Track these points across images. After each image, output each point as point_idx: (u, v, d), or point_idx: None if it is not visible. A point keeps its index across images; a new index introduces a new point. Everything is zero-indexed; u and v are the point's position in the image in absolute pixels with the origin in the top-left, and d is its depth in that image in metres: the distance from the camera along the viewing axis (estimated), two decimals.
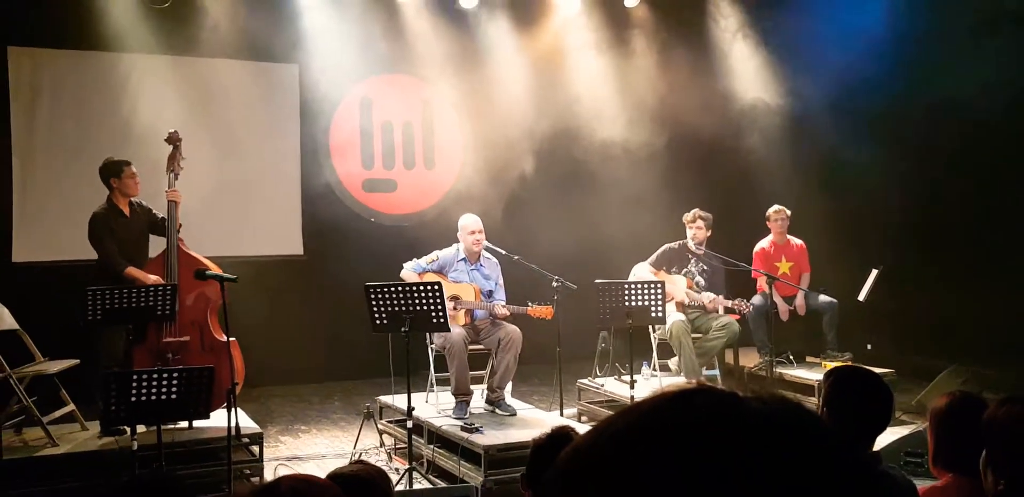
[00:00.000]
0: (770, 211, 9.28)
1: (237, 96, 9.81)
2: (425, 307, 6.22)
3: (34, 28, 9.00)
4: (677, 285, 8.01)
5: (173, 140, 7.21)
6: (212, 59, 9.66)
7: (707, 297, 8.07)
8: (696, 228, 8.24)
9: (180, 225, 7.12)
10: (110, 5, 8.99)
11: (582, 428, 6.84)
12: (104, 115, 9.32)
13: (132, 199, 7.16)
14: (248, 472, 6.64)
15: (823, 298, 9.08)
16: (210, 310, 6.98)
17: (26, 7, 8.85)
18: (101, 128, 9.28)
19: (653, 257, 8.30)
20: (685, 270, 8.21)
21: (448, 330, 6.57)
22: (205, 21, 9.37)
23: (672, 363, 8.30)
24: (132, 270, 6.90)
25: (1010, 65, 8.87)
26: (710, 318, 8.11)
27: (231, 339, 6.36)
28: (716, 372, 8.02)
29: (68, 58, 9.29)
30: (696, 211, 8.32)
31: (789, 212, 9.23)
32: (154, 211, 7.26)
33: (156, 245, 7.22)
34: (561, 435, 3.11)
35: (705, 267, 8.25)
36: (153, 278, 6.86)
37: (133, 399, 4.99)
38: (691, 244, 8.30)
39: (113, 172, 7.05)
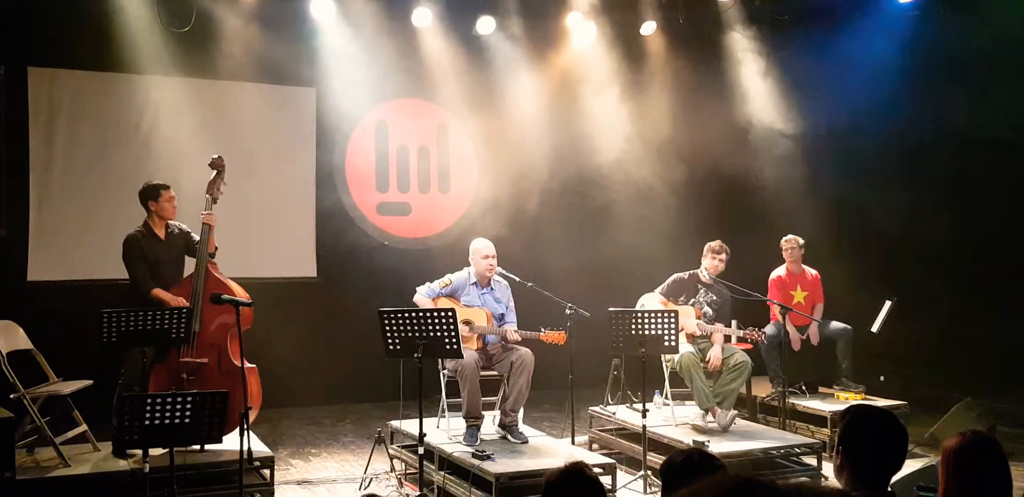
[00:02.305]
0: (783, 241, 9.29)
1: (254, 119, 9.87)
2: (439, 334, 6.21)
3: (54, 49, 9.08)
4: (687, 316, 7.98)
5: (217, 165, 7.32)
6: (230, 82, 9.75)
7: (717, 338, 8.01)
8: (720, 261, 8.15)
9: (216, 248, 7.21)
10: (130, 27, 9.06)
11: (592, 458, 6.84)
12: (122, 136, 9.39)
13: (170, 222, 7.27)
14: (259, 495, 6.64)
15: (836, 325, 9.05)
16: (231, 334, 6.99)
17: (46, 28, 8.93)
18: (118, 149, 9.36)
19: (664, 287, 8.24)
20: (693, 300, 8.16)
21: (462, 356, 6.56)
22: (224, 44, 9.45)
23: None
24: (159, 292, 6.98)
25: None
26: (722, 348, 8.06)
27: (251, 366, 6.37)
28: (733, 412, 7.84)
29: (87, 79, 9.36)
30: (722, 244, 8.22)
31: (802, 241, 9.22)
32: (192, 234, 7.34)
33: (190, 267, 7.29)
34: (574, 472, 3.09)
35: (714, 297, 8.19)
36: (178, 300, 6.93)
37: (147, 422, 4.99)
38: (703, 274, 8.22)
39: (151, 195, 7.18)
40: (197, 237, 7.26)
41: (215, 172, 7.30)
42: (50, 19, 8.90)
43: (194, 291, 6.98)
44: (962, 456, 3.24)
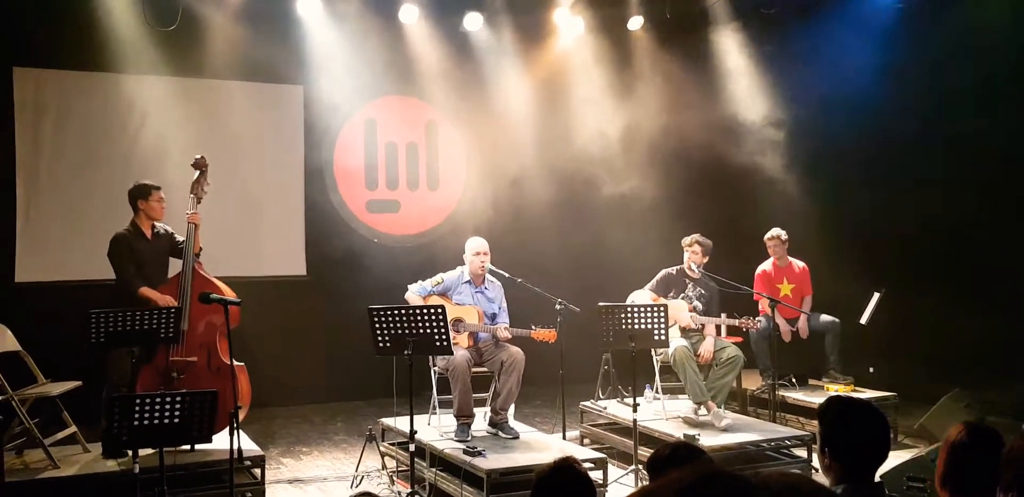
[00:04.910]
0: (766, 237, 9.29)
1: (242, 117, 9.85)
2: (428, 330, 6.21)
3: (39, 49, 9.03)
4: (679, 310, 7.99)
5: (200, 165, 7.32)
6: (217, 80, 9.73)
7: (710, 331, 8.02)
8: (692, 252, 8.19)
9: (200, 249, 7.23)
10: (115, 26, 9.03)
11: (583, 453, 6.84)
12: (109, 136, 9.36)
13: (156, 223, 7.27)
14: (249, 495, 6.63)
15: (825, 318, 9.06)
16: (220, 333, 6.99)
17: (31, 28, 8.89)
18: (105, 149, 9.32)
19: (652, 283, 8.26)
20: (683, 295, 8.17)
21: (451, 353, 6.56)
22: (210, 43, 9.43)
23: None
24: (147, 290, 6.98)
25: (1009, 92, 8.92)
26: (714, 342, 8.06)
27: (239, 364, 6.37)
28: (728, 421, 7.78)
29: (73, 79, 9.31)
30: (695, 236, 8.24)
31: (785, 236, 9.22)
32: (176, 236, 7.36)
33: (175, 267, 7.28)
34: (564, 468, 3.09)
35: (703, 291, 8.21)
36: (167, 299, 6.92)
37: (136, 423, 4.98)
38: (689, 268, 8.24)
39: (141, 195, 7.20)
40: (180, 238, 7.29)
41: (198, 172, 7.31)
42: (35, 19, 8.87)
43: (182, 290, 6.98)
44: (968, 449, 3.20)
